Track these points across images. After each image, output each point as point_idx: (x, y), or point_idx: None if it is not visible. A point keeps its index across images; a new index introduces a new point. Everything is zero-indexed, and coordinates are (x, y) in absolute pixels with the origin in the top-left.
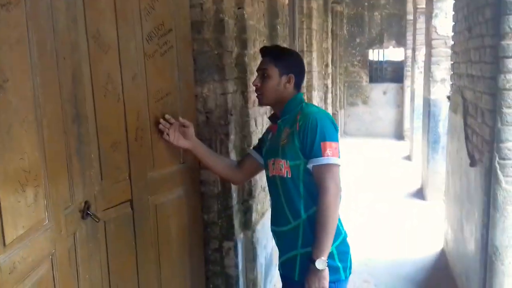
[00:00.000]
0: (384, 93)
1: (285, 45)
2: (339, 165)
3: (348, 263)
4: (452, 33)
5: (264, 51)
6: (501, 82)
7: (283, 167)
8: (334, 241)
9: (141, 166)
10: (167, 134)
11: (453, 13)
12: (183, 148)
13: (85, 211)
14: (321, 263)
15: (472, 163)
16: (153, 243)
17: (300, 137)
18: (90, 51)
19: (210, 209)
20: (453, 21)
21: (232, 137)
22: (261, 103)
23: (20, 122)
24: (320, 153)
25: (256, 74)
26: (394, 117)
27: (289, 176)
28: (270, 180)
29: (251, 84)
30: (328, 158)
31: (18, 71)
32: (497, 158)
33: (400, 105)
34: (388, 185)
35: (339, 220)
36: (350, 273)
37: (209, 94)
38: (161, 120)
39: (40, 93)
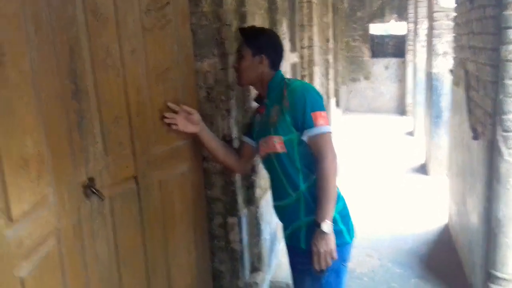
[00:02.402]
0: (386, 68)
1: (285, 19)
2: (331, 132)
3: (350, 226)
4: (455, 5)
5: (240, 32)
6: (503, 53)
7: (277, 143)
8: (336, 206)
9: (143, 141)
10: (175, 124)
11: None
12: (191, 132)
13: (89, 188)
14: (326, 226)
15: (475, 137)
16: (158, 218)
17: (290, 112)
18: (88, 25)
19: (213, 185)
20: None
21: (233, 112)
22: (238, 84)
23: (19, 97)
24: (312, 124)
25: None
26: (396, 92)
27: (284, 151)
28: (265, 160)
29: None
30: (321, 127)
31: (15, 45)
32: (499, 130)
33: (402, 80)
34: (391, 160)
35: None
36: (354, 236)
37: (209, 69)
38: (166, 114)
39: (37, 68)
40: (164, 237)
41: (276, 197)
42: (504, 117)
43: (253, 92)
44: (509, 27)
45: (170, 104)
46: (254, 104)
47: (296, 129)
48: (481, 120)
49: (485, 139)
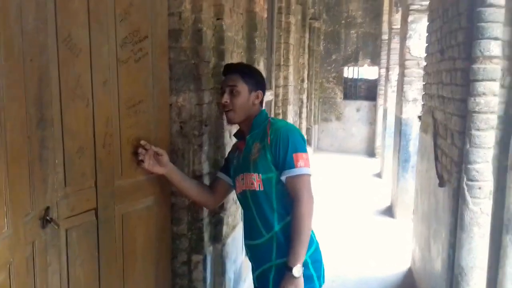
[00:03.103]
0: (358, 110)
1: (262, 58)
2: (310, 175)
3: (321, 271)
4: (425, 55)
5: (230, 67)
6: (471, 104)
7: (255, 181)
8: (308, 249)
9: (108, 173)
10: (142, 161)
11: (427, 34)
12: (158, 174)
13: (45, 218)
14: (297, 270)
15: (441, 183)
16: (117, 254)
17: (272, 150)
18: (59, 54)
19: (180, 221)
20: (426, 43)
21: (205, 148)
22: (231, 121)
23: None
24: (293, 164)
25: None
26: (366, 134)
27: (261, 189)
28: (241, 196)
29: None
30: (301, 168)
31: None
32: (465, 179)
33: (372, 122)
34: (358, 201)
35: (312, 230)
36: (323, 282)
37: (184, 103)
38: (139, 149)
39: (4, 95)
40: (122, 274)
41: (248, 235)
42: (470, 166)
43: (227, 128)
44: (477, 80)
45: (142, 142)
46: (226, 141)
47: (276, 168)
48: (447, 167)
49: (450, 186)
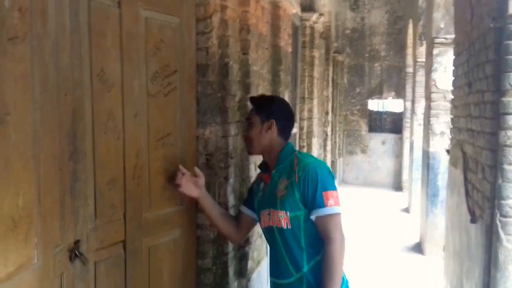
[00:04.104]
0: (383, 143)
1: (287, 91)
2: (341, 214)
3: None
4: (452, 88)
5: (251, 101)
6: (501, 138)
7: (283, 218)
8: None
9: (137, 206)
10: (179, 185)
11: (453, 68)
12: (191, 196)
13: (74, 251)
14: None
15: (473, 220)
16: (144, 287)
17: (300, 188)
18: (93, 88)
19: (205, 254)
20: (453, 76)
21: (231, 180)
22: (249, 152)
23: (18, 157)
24: (323, 203)
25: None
26: (392, 167)
27: (289, 227)
28: (267, 231)
29: None
30: (332, 208)
31: (20, 106)
32: (498, 216)
33: (399, 155)
34: (386, 237)
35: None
36: None
37: (210, 136)
38: (177, 172)
39: (39, 128)
40: None
41: (275, 273)
42: (503, 202)
43: (252, 161)
44: (507, 113)
45: (180, 167)
46: (251, 174)
47: (304, 206)
48: (479, 203)
49: (483, 222)
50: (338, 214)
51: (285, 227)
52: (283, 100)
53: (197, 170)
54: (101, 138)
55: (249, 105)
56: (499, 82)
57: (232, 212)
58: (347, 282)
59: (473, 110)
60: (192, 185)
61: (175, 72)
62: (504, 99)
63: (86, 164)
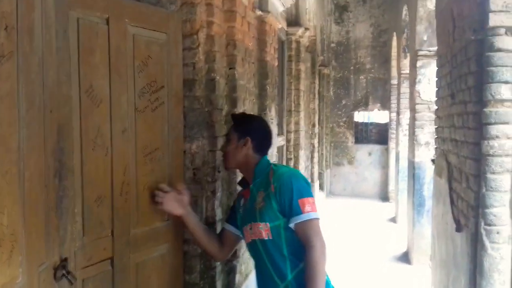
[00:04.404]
0: (370, 154)
1: (273, 104)
2: (319, 219)
3: None
4: (436, 99)
5: (232, 118)
6: (484, 148)
7: (263, 230)
8: None
9: (124, 222)
10: (160, 203)
11: (436, 79)
12: (175, 215)
13: (59, 269)
14: None
15: (458, 228)
16: None
17: (277, 198)
18: (82, 105)
19: (192, 269)
20: (436, 87)
21: (218, 194)
22: (225, 167)
23: (2, 174)
24: (300, 210)
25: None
26: (379, 178)
27: (270, 238)
28: (250, 245)
29: None
30: (309, 213)
31: (5, 123)
32: (482, 224)
33: (385, 166)
34: (373, 247)
35: (326, 275)
36: None
37: (197, 150)
38: (156, 192)
39: (25, 145)
40: None
41: (262, 286)
42: (487, 210)
43: (239, 174)
44: (489, 123)
45: (161, 186)
46: (238, 188)
47: (282, 215)
48: (464, 212)
49: (468, 231)
50: (317, 219)
51: (266, 238)
52: (262, 120)
53: (181, 187)
54: (89, 155)
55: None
56: (481, 93)
57: (219, 226)
58: (332, 287)
59: (456, 120)
60: (175, 203)
61: (162, 88)
62: (486, 109)
63: (74, 181)
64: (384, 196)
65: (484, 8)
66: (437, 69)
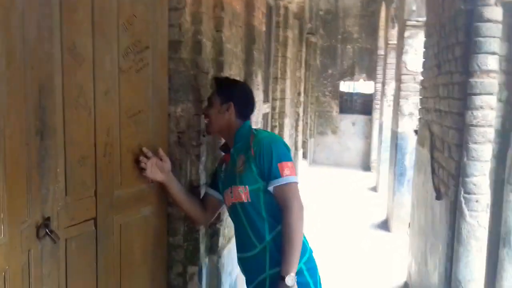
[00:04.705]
0: (353, 124)
1: (260, 71)
2: (297, 183)
3: (317, 278)
4: (422, 69)
5: (215, 81)
6: (468, 118)
7: (243, 193)
8: (302, 257)
9: (108, 183)
10: (143, 169)
11: (424, 50)
12: (157, 181)
13: (41, 228)
14: (290, 279)
15: (438, 197)
16: (115, 265)
17: (256, 162)
18: (64, 63)
19: (176, 231)
20: (423, 58)
21: (203, 158)
22: (207, 131)
23: None
24: (279, 174)
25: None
26: (362, 148)
27: (249, 200)
28: (231, 209)
29: None
30: (287, 177)
31: None
32: (462, 192)
33: (368, 136)
34: (354, 215)
35: (304, 237)
36: None
37: (182, 114)
38: (141, 157)
39: (5, 102)
40: (119, 285)
41: (241, 248)
42: (467, 179)
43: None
44: (474, 94)
45: (144, 149)
46: (220, 153)
47: (262, 179)
48: (444, 181)
49: (447, 200)
50: (295, 183)
51: (245, 200)
52: (245, 85)
53: (162, 154)
54: (72, 114)
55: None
56: (468, 63)
57: (203, 190)
58: (310, 250)
59: (441, 91)
60: (157, 169)
61: (147, 48)
62: (471, 80)
63: (57, 141)
64: (366, 166)
65: None
66: (425, 39)
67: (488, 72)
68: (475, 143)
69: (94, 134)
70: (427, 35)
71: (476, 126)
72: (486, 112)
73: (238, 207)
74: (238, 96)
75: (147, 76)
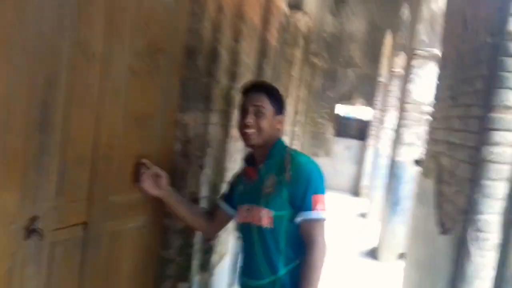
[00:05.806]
0: (347, 148)
1: None
2: (325, 220)
3: None
4: (434, 100)
5: (256, 86)
6: (484, 153)
7: (265, 216)
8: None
9: (103, 187)
10: (139, 181)
11: (437, 81)
12: (154, 196)
13: (30, 227)
14: None
15: (443, 231)
16: (101, 275)
17: (290, 188)
18: (72, 57)
19: (170, 245)
20: (436, 89)
21: (207, 170)
22: (251, 143)
23: None
24: (310, 207)
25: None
26: (353, 173)
27: (270, 227)
28: (242, 226)
29: (234, 118)
30: (319, 212)
31: None
32: (471, 230)
33: (360, 162)
34: (342, 241)
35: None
36: None
37: (190, 122)
38: (142, 168)
39: (12, 93)
40: None
41: (248, 273)
42: (478, 216)
43: (231, 153)
44: (493, 129)
45: (144, 160)
46: (229, 165)
47: (291, 206)
48: (451, 215)
49: (453, 235)
50: (324, 219)
51: (264, 226)
52: None
53: (157, 169)
54: (74, 112)
55: (233, 94)
56: (488, 97)
57: (203, 203)
58: None
59: (455, 123)
60: (153, 184)
61: (162, 51)
62: (491, 114)
63: (55, 138)
64: (356, 191)
65: (504, 12)
66: (439, 71)
67: (509, 108)
68: (490, 179)
69: (96, 135)
70: (442, 67)
71: (492, 162)
72: (504, 149)
73: (253, 229)
74: (285, 108)
75: (158, 79)
